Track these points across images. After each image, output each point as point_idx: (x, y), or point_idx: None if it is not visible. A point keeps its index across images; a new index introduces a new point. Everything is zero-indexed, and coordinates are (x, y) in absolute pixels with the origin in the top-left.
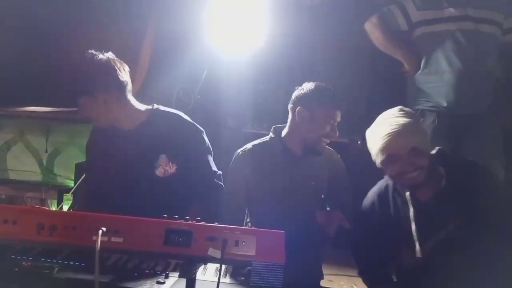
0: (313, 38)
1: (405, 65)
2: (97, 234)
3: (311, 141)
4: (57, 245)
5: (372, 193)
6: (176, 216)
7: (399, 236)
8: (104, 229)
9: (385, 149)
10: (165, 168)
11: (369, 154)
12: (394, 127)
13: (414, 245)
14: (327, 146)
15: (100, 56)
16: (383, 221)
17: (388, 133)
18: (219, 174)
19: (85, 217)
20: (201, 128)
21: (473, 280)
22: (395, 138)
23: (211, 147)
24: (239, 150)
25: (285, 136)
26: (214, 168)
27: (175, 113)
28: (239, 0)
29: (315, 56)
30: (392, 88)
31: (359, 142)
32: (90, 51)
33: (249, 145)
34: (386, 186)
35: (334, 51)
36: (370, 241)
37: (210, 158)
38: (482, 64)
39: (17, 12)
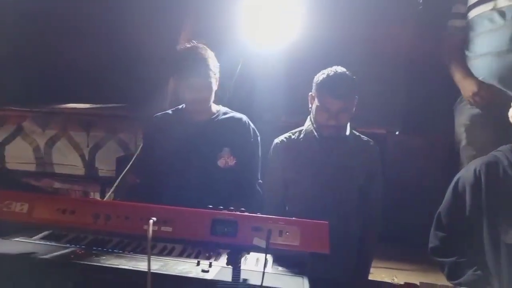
0: (350, 29)
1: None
2: (148, 223)
3: (318, 127)
4: (111, 233)
5: (477, 162)
6: (221, 207)
7: (503, 210)
8: (154, 219)
9: None
10: (226, 160)
11: (407, 145)
12: None
13: None
14: (364, 137)
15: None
16: (486, 190)
17: None
18: (260, 183)
19: (137, 208)
20: (258, 133)
21: None
22: None
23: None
24: (276, 140)
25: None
26: (259, 175)
27: (239, 115)
28: None
29: (351, 48)
30: (432, 78)
31: (397, 133)
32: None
33: (286, 134)
34: (498, 158)
35: (371, 43)
36: (461, 208)
37: (259, 164)
38: None
39: (55, 12)
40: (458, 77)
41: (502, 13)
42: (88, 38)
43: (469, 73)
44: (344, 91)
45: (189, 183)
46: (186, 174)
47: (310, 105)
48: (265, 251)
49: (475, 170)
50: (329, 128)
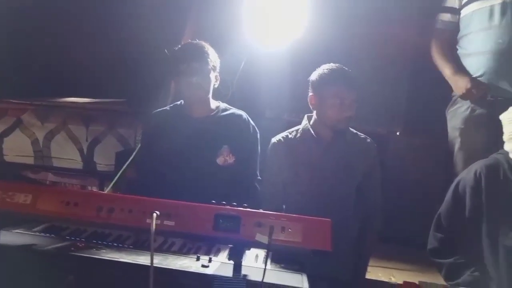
0: (352, 28)
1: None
2: (151, 217)
3: (330, 125)
4: (113, 226)
5: (478, 165)
6: (224, 202)
7: (502, 212)
8: (157, 212)
9: None
10: (225, 158)
11: (407, 145)
12: None
13: None
14: (361, 135)
15: None
16: (486, 193)
17: None
18: (259, 179)
19: (140, 201)
20: (257, 130)
21: None
22: None
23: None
24: (273, 139)
25: (313, 123)
26: (258, 171)
27: (239, 112)
28: None
29: (354, 47)
30: (434, 78)
31: (398, 133)
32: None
33: (283, 134)
34: (499, 160)
35: (375, 42)
36: (461, 210)
37: (258, 161)
38: None
39: (56, 7)
40: (448, 73)
41: (499, 10)
42: (89, 32)
43: (460, 69)
44: (354, 80)
45: (187, 180)
46: (184, 171)
47: (312, 107)
48: (267, 247)
49: (475, 172)
50: (345, 121)
